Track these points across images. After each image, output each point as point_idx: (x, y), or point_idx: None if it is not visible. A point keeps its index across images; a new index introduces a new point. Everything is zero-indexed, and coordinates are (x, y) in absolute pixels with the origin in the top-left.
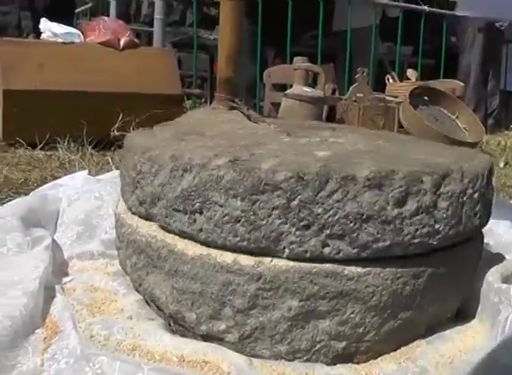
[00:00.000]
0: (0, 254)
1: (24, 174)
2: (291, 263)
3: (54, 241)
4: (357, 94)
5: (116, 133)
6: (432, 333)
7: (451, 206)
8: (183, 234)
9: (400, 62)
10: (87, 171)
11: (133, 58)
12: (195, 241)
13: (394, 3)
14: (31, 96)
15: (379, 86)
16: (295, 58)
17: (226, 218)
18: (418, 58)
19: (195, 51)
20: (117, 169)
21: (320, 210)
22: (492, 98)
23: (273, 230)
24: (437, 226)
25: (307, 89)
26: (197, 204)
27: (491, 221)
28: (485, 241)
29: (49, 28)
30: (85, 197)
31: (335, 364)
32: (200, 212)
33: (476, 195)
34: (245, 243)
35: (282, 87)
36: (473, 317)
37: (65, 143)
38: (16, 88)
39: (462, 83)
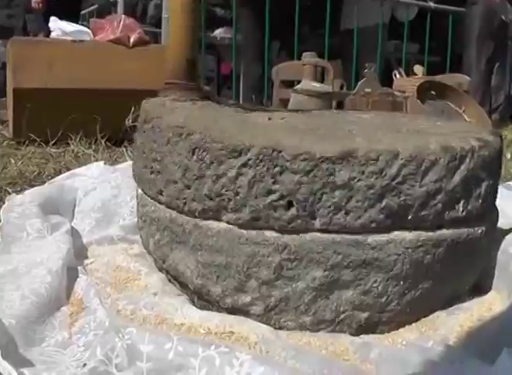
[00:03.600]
0: (19, 239)
1: (38, 168)
2: (315, 233)
3: (72, 228)
4: (365, 89)
5: (131, 124)
6: (450, 304)
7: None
8: (454, 224)
9: (407, 59)
10: (102, 162)
11: (143, 55)
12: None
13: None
14: (41, 94)
15: (386, 84)
16: (304, 54)
17: (489, 190)
18: (424, 56)
19: (203, 51)
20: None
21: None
22: (497, 93)
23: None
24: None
25: (315, 84)
26: (472, 186)
27: (503, 203)
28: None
29: (59, 26)
30: (102, 186)
31: (358, 335)
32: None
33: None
34: (487, 208)
35: (290, 84)
36: (490, 290)
37: (78, 139)
38: (25, 87)
39: (468, 78)
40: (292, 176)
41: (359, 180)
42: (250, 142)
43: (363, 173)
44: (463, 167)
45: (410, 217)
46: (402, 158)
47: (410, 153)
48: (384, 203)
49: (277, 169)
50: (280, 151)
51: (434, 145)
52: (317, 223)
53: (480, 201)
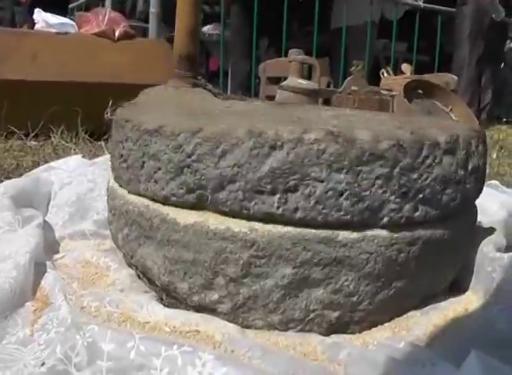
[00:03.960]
0: None
1: (16, 160)
2: (284, 229)
3: (45, 221)
4: (352, 87)
5: (110, 117)
6: (425, 304)
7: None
8: (266, 217)
9: (395, 58)
10: (80, 155)
11: (128, 49)
12: (282, 223)
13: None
14: (24, 86)
15: (374, 82)
16: (290, 51)
17: (330, 193)
18: (413, 54)
19: None
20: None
21: (415, 176)
22: (485, 92)
23: (376, 199)
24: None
25: (302, 81)
26: (292, 182)
27: (484, 201)
28: (479, 218)
29: (43, 18)
30: (78, 180)
31: (328, 335)
32: (296, 190)
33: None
34: (348, 216)
35: (277, 81)
36: (467, 289)
37: (59, 132)
38: (8, 78)
39: (456, 77)
40: (129, 144)
41: (165, 153)
42: (122, 116)
43: (168, 146)
44: (276, 158)
45: (209, 198)
46: (199, 137)
47: (209, 133)
48: (183, 178)
49: (124, 137)
50: (128, 122)
51: (242, 129)
52: (141, 188)
53: (312, 202)
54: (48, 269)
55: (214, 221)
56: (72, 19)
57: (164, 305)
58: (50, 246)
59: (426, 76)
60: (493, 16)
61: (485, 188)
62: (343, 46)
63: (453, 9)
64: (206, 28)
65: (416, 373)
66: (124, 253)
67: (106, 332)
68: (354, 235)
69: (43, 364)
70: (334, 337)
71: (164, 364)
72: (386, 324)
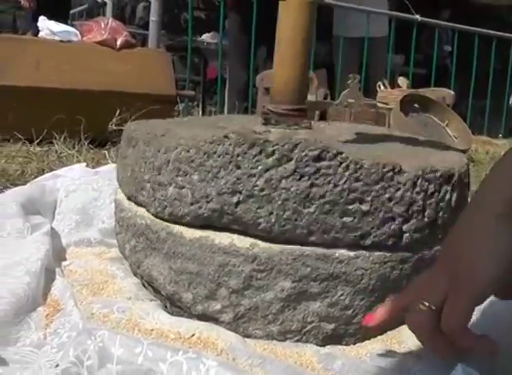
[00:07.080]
0: (0, 238)
1: (21, 166)
2: (286, 246)
3: (52, 228)
4: (349, 100)
5: (114, 128)
6: None
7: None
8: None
9: (392, 70)
10: (84, 163)
11: (130, 58)
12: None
13: (386, 12)
14: (27, 93)
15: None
16: None
17: None
18: (410, 67)
19: (190, 55)
20: (114, 163)
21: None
22: None
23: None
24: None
25: None
26: None
27: None
28: None
29: (47, 26)
30: (83, 188)
31: (324, 345)
32: None
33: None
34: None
35: None
36: None
37: (62, 139)
38: (12, 84)
39: (452, 92)
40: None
41: None
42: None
43: None
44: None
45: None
46: None
47: None
48: None
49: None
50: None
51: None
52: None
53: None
54: (57, 276)
55: (218, 236)
56: (72, 26)
57: (169, 313)
58: (57, 253)
59: (422, 91)
60: None
61: None
62: (339, 56)
63: (449, 23)
64: (205, 36)
65: None
66: (131, 263)
67: (116, 337)
68: (350, 253)
69: (57, 366)
70: (329, 348)
71: (170, 369)
72: (379, 337)
